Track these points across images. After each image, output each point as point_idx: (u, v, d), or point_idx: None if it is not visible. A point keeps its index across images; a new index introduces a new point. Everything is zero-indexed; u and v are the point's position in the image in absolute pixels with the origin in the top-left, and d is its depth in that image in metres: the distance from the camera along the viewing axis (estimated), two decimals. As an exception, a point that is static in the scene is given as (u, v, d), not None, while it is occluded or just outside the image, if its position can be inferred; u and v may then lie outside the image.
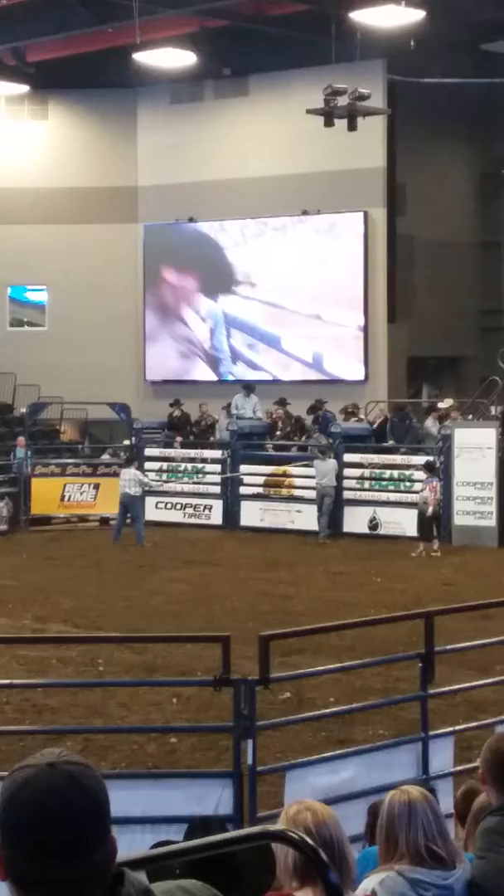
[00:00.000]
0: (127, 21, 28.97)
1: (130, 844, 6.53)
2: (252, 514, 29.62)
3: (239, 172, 35.62)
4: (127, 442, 32.76)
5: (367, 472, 28.76)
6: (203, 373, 36.87)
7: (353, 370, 34.74)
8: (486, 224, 37.36)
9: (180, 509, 30.59)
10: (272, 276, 35.90)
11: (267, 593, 21.00)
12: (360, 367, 34.73)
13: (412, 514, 26.57)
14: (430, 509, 26.01)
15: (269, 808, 8.37)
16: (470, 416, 29.82)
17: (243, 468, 30.05)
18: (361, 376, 34.63)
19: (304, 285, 35.39)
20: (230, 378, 35.65)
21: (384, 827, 4.81)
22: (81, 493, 31.09)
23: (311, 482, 28.36)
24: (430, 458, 27.44)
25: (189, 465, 31.16)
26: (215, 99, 36.57)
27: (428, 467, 26.88)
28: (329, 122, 29.95)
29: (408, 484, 27.57)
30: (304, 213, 35.02)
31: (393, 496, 28.06)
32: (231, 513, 29.89)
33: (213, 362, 36.79)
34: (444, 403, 30.61)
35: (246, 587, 21.64)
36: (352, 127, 29.92)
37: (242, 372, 35.78)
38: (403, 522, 27.09)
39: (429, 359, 37.03)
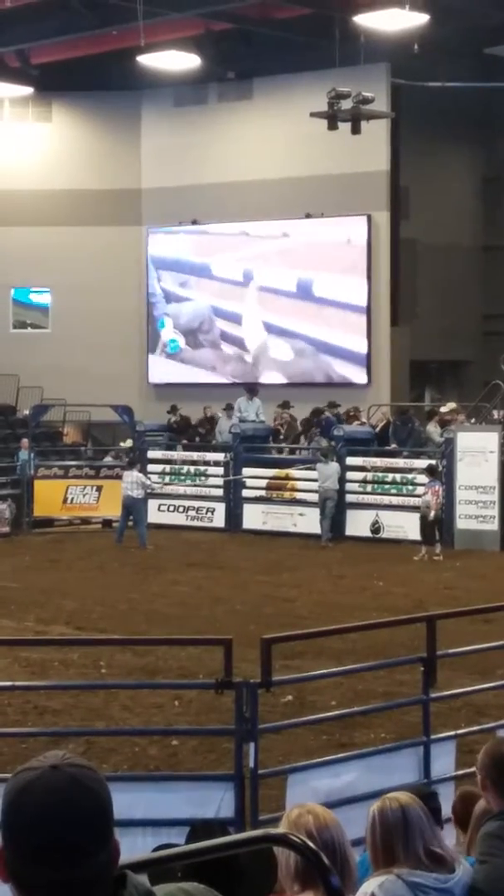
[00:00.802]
0: (131, 24, 28.98)
1: (132, 847, 6.52)
2: (254, 517, 29.62)
3: (242, 175, 35.64)
4: (124, 444, 32.77)
5: (369, 476, 28.76)
6: (205, 375, 36.87)
7: (355, 373, 34.76)
8: (489, 228, 37.38)
9: (183, 512, 30.60)
10: (275, 278, 35.89)
11: (269, 596, 21.00)
12: (363, 370, 34.74)
13: (414, 518, 26.56)
14: (433, 513, 26.00)
15: (270, 811, 8.37)
16: (472, 420, 29.82)
17: (246, 471, 30.05)
18: (364, 380, 34.65)
19: (307, 288, 35.40)
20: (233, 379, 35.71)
21: (379, 836, 4.80)
22: (84, 496, 31.10)
23: (314, 485, 28.36)
24: (432, 462, 27.43)
25: (191, 468, 31.17)
26: (219, 102, 36.60)
27: (430, 471, 26.87)
28: (333, 126, 29.96)
29: (410, 487, 27.57)
30: (308, 216, 35.03)
31: (395, 500, 28.06)
32: (233, 515, 29.90)
33: (217, 362, 36.82)
34: (447, 408, 30.60)
35: (248, 590, 21.64)
36: (355, 130, 29.93)
37: (242, 371, 35.79)
38: (406, 526, 27.08)
39: (431, 362, 37.04)
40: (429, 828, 4.79)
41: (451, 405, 30.65)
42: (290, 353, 35.71)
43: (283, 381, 35.23)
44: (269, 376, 35.50)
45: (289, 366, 35.72)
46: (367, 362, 34.70)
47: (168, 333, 37.58)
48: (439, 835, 4.91)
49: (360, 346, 34.77)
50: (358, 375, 34.71)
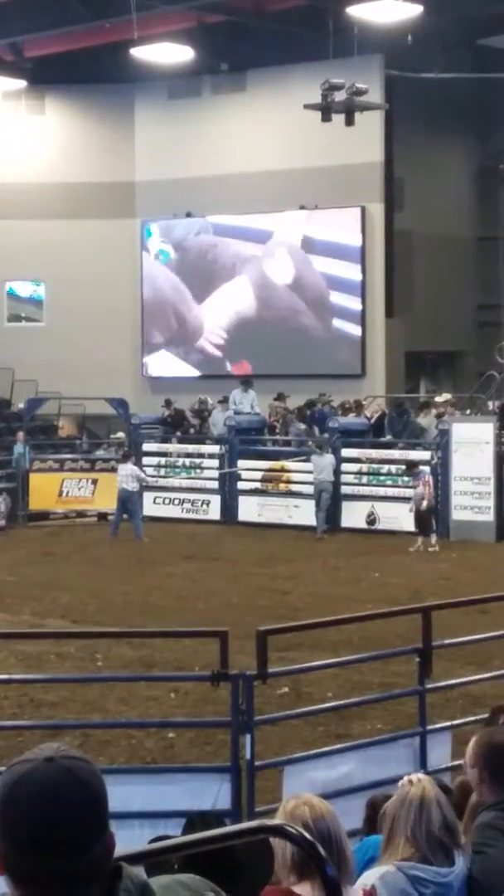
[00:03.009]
0: (124, 16, 28.97)
1: (128, 839, 6.52)
2: (250, 510, 29.62)
3: (236, 168, 35.61)
4: (115, 436, 32.76)
5: (364, 468, 28.76)
6: (200, 367, 36.88)
7: (350, 365, 34.76)
8: (483, 219, 37.39)
9: (178, 504, 30.60)
10: (268, 269, 35.91)
11: (265, 588, 21.02)
12: (358, 361, 34.75)
13: (408, 510, 26.52)
14: (425, 503, 25.99)
15: (267, 802, 8.38)
16: (467, 411, 29.84)
17: (241, 463, 30.05)
18: (359, 371, 34.65)
19: (302, 280, 35.42)
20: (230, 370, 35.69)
21: (399, 817, 4.78)
22: (79, 489, 31.09)
23: (309, 477, 28.36)
24: (412, 459, 27.37)
25: (187, 461, 31.16)
26: (213, 94, 36.56)
27: (411, 466, 26.85)
28: (326, 118, 29.96)
29: (405, 479, 27.55)
30: (302, 207, 35.02)
31: (391, 491, 28.06)
32: (229, 508, 29.90)
33: (210, 356, 36.82)
34: (440, 398, 30.63)
35: (244, 582, 21.65)
36: (349, 122, 29.93)
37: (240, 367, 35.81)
38: (401, 517, 27.08)
39: (426, 353, 37.06)
40: (449, 816, 4.80)
41: (446, 396, 30.67)
42: (285, 343, 35.70)
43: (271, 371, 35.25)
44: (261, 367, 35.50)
45: (283, 358, 35.69)
46: (362, 353, 34.71)
47: (156, 243, 37.51)
48: (452, 824, 4.90)
49: (355, 338, 34.77)
50: (353, 367, 34.70)
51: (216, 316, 36.88)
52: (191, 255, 37.23)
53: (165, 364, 37.50)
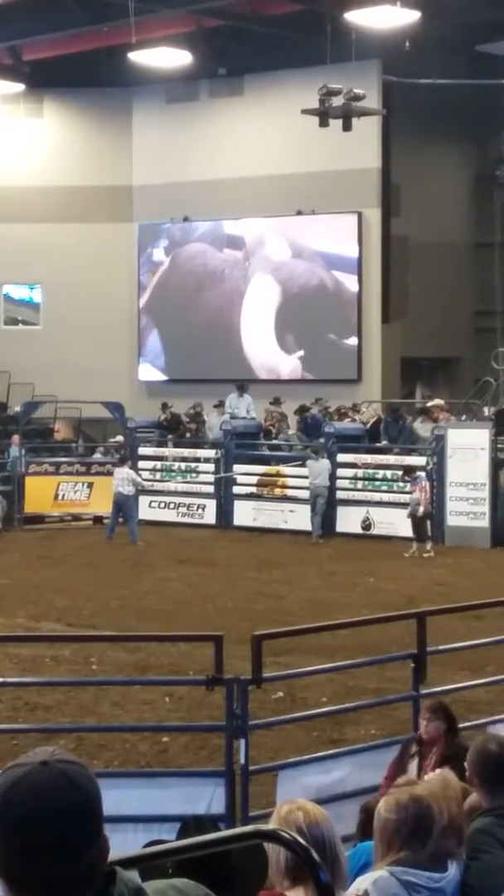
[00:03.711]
0: (122, 20, 28.99)
1: (123, 843, 6.54)
2: (245, 514, 29.62)
3: (234, 172, 35.64)
4: (114, 440, 32.75)
5: (360, 473, 28.76)
6: (196, 371, 36.87)
7: (346, 370, 34.77)
8: (480, 225, 37.42)
9: (174, 508, 30.59)
10: (266, 274, 35.93)
11: (260, 593, 21.01)
12: (354, 367, 34.77)
13: (405, 515, 26.54)
14: (422, 509, 25.99)
15: (261, 807, 8.39)
16: (463, 417, 29.85)
17: (236, 468, 30.05)
18: (355, 376, 34.68)
19: (298, 285, 35.44)
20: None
21: (391, 825, 4.76)
22: (75, 492, 31.09)
23: (305, 482, 28.36)
24: (409, 464, 27.41)
25: (182, 465, 31.16)
26: (210, 98, 36.59)
27: (408, 471, 26.87)
28: (324, 123, 29.97)
29: (401, 484, 27.56)
30: (299, 213, 35.05)
31: (386, 496, 28.06)
32: (224, 512, 29.89)
33: (206, 359, 36.83)
34: (432, 402, 30.67)
35: (239, 587, 21.64)
36: (347, 127, 29.93)
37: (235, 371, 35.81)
38: (396, 522, 27.08)
39: (422, 359, 37.09)
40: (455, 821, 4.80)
41: (437, 401, 30.68)
42: (281, 349, 35.74)
43: (273, 377, 35.24)
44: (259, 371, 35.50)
45: (280, 361, 35.74)
46: (358, 359, 34.73)
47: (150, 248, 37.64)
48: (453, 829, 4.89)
49: (351, 343, 34.79)
50: (349, 372, 34.72)
51: (216, 318, 36.85)
52: (186, 260, 37.21)
53: (159, 368, 37.51)
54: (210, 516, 30.11)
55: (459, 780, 5.10)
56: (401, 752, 8.35)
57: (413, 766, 8.13)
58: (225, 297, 36.56)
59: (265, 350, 35.92)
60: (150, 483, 29.88)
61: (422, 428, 28.91)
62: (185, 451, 31.72)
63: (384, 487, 28.28)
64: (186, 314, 36.89)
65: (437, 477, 27.26)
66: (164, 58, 32.89)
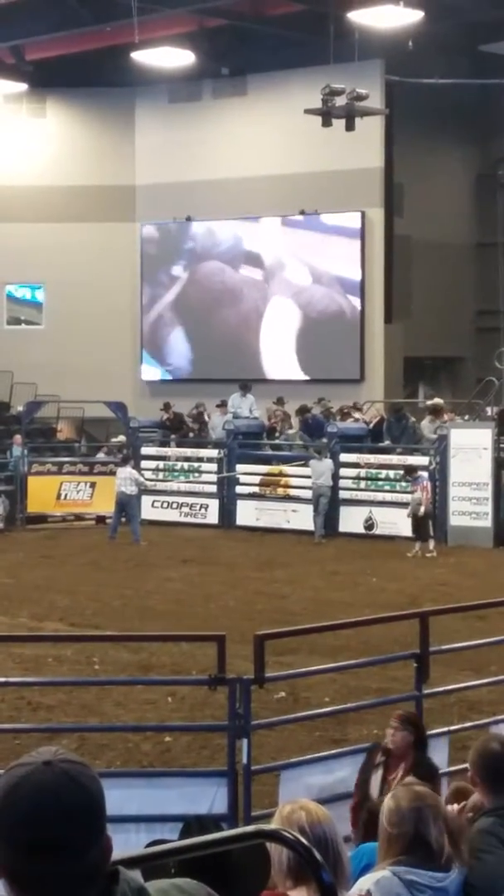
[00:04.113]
0: (125, 20, 28.98)
1: (125, 843, 6.54)
2: (248, 514, 29.62)
3: (237, 172, 35.63)
4: (116, 439, 32.74)
5: (362, 473, 28.76)
6: (199, 371, 36.89)
7: (349, 370, 34.77)
8: (482, 225, 37.42)
9: (176, 508, 30.59)
10: (269, 274, 35.94)
11: (262, 593, 21.01)
12: (357, 366, 34.76)
13: (406, 514, 26.52)
14: (423, 508, 25.98)
15: (263, 807, 8.39)
16: (466, 417, 29.84)
17: (239, 467, 30.05)
18: (358, 376, 34.67)
19: (301, 284, 35.45)
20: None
21: (396, 824, 4.76)
22: (78, 492, 31.10)
23: (307, 482, 28.36)
24: (412, 463, 27.41)
25: (185, 464, 31.17)
26: (213, 98, 36.58)
27: (409, 471, 26.86)
28: (327, 123, 29.97)
29: (404, 484, 27.55)
30: (302, 212, 35.05)
31: (389, 496, 28.05)
32: (227, 512, 29.89)
33: (207, 359, 36.85)
34: (430, 401, 30.68)
35: (241, 586, 21.64)
36: (349, 127, 29.93)
37: (236, 371, 35.80)
38: (399, 522, 27.08)
39: (425, 359, 37.08)
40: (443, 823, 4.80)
41: (437, 400, 30.68)
42: (285, 348, 35.75)
43: (277, 376, 35.24)
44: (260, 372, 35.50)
45: (283, 361, 35.74)
46: (361, 359, 34.72)
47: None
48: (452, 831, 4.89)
49: (354, 343, 34.78)
50: (352, 371, 34.72)
51: (216, 321, 36.87)
52: (204, 276, 37.22)
53: (162, 368, 37.54)
54: (213, 516, 30.12)
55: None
56: (365, 760, 8.15)
57: (377, 776, 7.93)
58: (242, 316, 36.27)
59: (282, 366, 35.89)
60: (152, 483, 29.87)
61: (428, 428, 28.90)
62: (188, 451, 31.72)
63: (387, 487, 28.27)
64: (205, 328, 36.63)
65: (440, 477, 27.25)
66: (166, 58, 32.88)
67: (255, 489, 29.86)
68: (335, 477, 28.22)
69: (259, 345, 36.04)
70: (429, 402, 30.69)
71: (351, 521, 28.30)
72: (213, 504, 30.21)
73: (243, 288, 36.16)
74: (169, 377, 37.24)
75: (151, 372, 37.74)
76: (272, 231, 35.52)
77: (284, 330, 35.66)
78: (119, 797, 7.65)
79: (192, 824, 6.22)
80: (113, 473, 28.84)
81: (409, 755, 7.90)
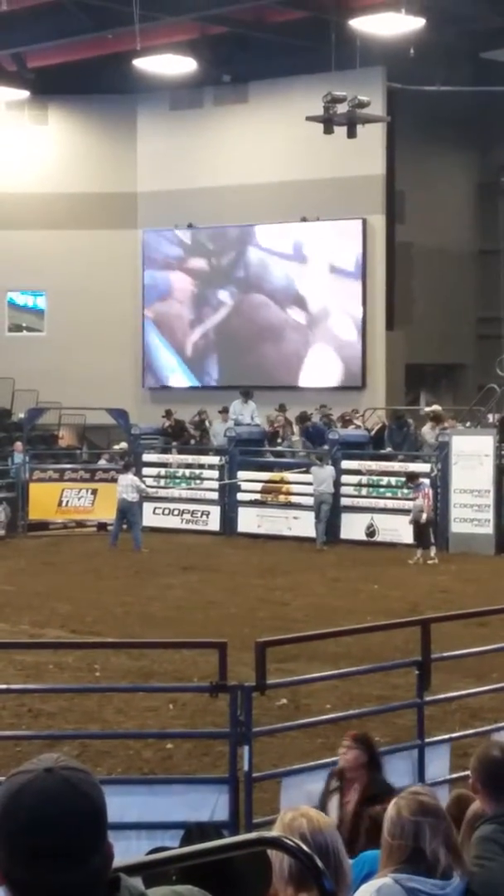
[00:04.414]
0: (127, 27, 28.99)
1: (126, 850, 6.53)
2: (249, 521, 29.62)
3: (238, 179, 35.66)
4: (118, 447, 32.75)
5: (364, 479, 28.77)
6: (200, 378, 36.92)
7: (350, 377, 34.78)
8: (484, 232, 37.43)
9: (178, 515, 30.59)
10: (271, 281, 35.96)
11: (264, 600, 21.01)
12: (358, 373, 34.77)
13: (407, 521, 26.52)
14: (424, 516, 25.99)
15: (265, 814, 8.37)
16: (467, 424, 29.85)
17: (241, 474, 30.05)
18: (359, 383, 34.68)
19: (303, 291, 35.47)
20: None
21: (396, 836, 4.74)
22: (79, 499, 31.09)
23: (309, 489, 28.36)
24: (413, 470, 27.42)
25: (187, 471, 31.17)
26: (215, 105, 36.62)
27: (411, 478, 26.88)
28: (328, 130, 30.01)
29: (405, 491, 27.56)
30: (304, 219, 35.07)
31: (390, 503, 28.06)
32: (228, 519, 29.89)
33: (207, 366, 36.85)
34: (428, 408, 30.71)
35: (243, 593, 21.64)
36: (351, 134, 29.97)
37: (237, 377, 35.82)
38: (400, 529, 27.09)
39: (427, 366, 37.07)
40: (450, 831, 4.78)
41: (435, 407, 30.71)
42: (285, 354, 35.76)
43: (280, 382, 35.25)
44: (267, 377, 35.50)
45: (286, 369, 35.74)
46: (363, 365, 34.72)
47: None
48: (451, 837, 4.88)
49: (356, 350, 34.80)
50: (353, 379, 34.73)
51: (216, 325, 36.89)
52: (250, 308, 37.18)
53: (165, 374, 37.56)
54: (214, 523, 30.12)
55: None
56: (324, 788, 8.02)
57: (334, 801, 7.82)
58: (282, 356, 36.13)
59: (267, 356, 35.90)
60: (154, 490, 29.85)
61: (430, 434, 28.91)
62: (189, 458, 31.72)
63: (388, 494, 28.28)
64: (245, 358, 36.45)
65: (442, 484, 27.26)
66: (168, 65, 32.92)
67: (257, 496, 29.86)
68: (337, 484, 28.23)
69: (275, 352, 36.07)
70: (427, 410, 30.72)
71: (352, 528, 28.29)
72: (215, 511, 30.22)
73: (286, 329, 35.93)
74: (198, 384, 36.95)
75: (179, 378, 37.39)
76: (322, 277, 35.26)
77: (289, 335, 35.67)
78: (120, 804, 7.65)
79: (194, 831, 6.21)
80: (114, 480, 28.85)
81: (362, 775, 7.77)
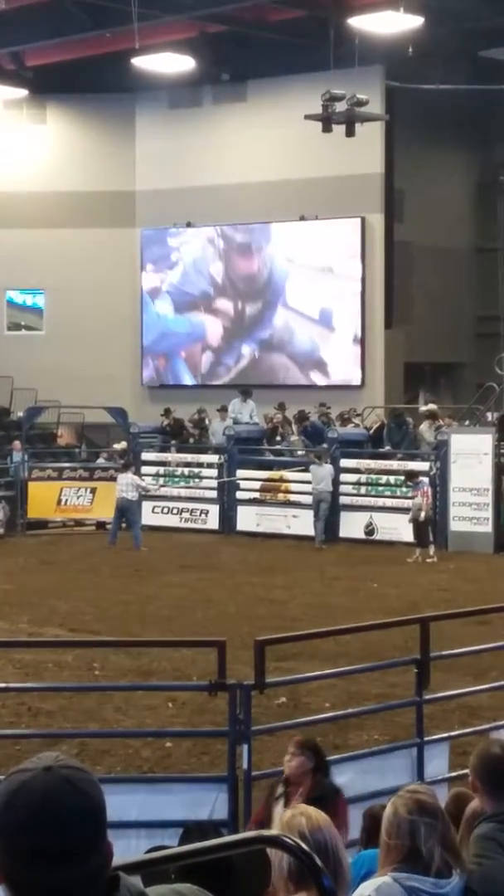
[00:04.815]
0: (126, 26, 28.99)
1: (126, 849, 6.54)
2: (248, 519, 29.61)
3: (237, 178, 35.65)
4: (117, 446, 32.76)
5: (363, 478, 28.77)
6: (199, 377, 36.92)
7: (350, 375, 34.78)
8: (482, 230, 37.44)
9: (177, 514, 30.59)
10: (270, 281, 35.96)
11: (263, 598, 21.01)
12: (357, 372, 34.77)
13: (407, 520, 26.52)
14: (423, 514, 25.99)
15: (264, 813, 8.36)
16: (466, 423, 29.85)
17: (240, 473, 30.05)
18: (358, 381, 34.68)
19: (302, 290, 35.46)
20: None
21: (392, 835, 4.74)
22: (78, 498, 31.08)
23: (308, 487, 28.36)
24: (412, 469, 27.43)
25: (185, 470, 31.17)
26: (214, 104, 36.61)
27: (410, 476, 26.88)
28: (327, 128, 29.99)
29: (404, 489, 27.56)
30: (302, 218, 35.06)
31: (389, 502, 28.05)
32: (227, 517, 29.88)
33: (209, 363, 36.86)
34: (425, 407, 30.72)
35: (242, 592, 21.64)
36: (350, 133, 29.95)
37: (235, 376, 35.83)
38: (399, 528, 27.09)
39: (425, 364, 37.07)
40: (449, 830, 4.78)
41: (431, 406, 30.72)
42: (284, 355, 35.77)
43: (277, 381, 35.27)
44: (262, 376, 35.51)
45: (282, 368, 35.75)
46: (362, 364, 34.73)
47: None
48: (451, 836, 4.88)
49: (355, 348, 34.80)
50: (352, 377, 34.73)
51: (216, 325, 36.90)
52: (190, 265, 37.27)
53: (164, 373, 37.56)
54: (213, 521, 30.12)
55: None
56: (267, 793, 7.87)
57: (279, 808, 7.51)
58: (225, 301, 36.40)
59: (267, 355, 35.91)
60: (155, 487, 29.81)
61: (429, 432, 28.91)
62: (189, 457, 31.72)
63: (387, 493, 28.28)
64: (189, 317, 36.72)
65: (441, 482, 27.26)
66: (167, 63, 32.92)
67: (256, 495, 29.86)
68: (336, 482, 28.23)
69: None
70: (423, 408, 30.74)
71: (351, 526, 28.29)
72: (214, 509, 30.21)
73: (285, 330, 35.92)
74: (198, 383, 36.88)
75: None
76: (321, 276, 35.19)
77: (288, 334, 35.67)
78: (119, 803, 7.65)
79: (193, 830, 6.21)
80: (113, 479, 28.84)
81: (307, 781, 7.55)
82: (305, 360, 35.33)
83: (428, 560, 25.50)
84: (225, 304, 36.77)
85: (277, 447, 31.31)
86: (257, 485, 29.97)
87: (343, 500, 28.42)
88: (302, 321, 35.38)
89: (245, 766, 8.39)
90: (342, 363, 34.93)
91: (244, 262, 36.45)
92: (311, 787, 7.46)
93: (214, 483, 30.38)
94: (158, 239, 37.59)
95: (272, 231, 35.90)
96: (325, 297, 35.14)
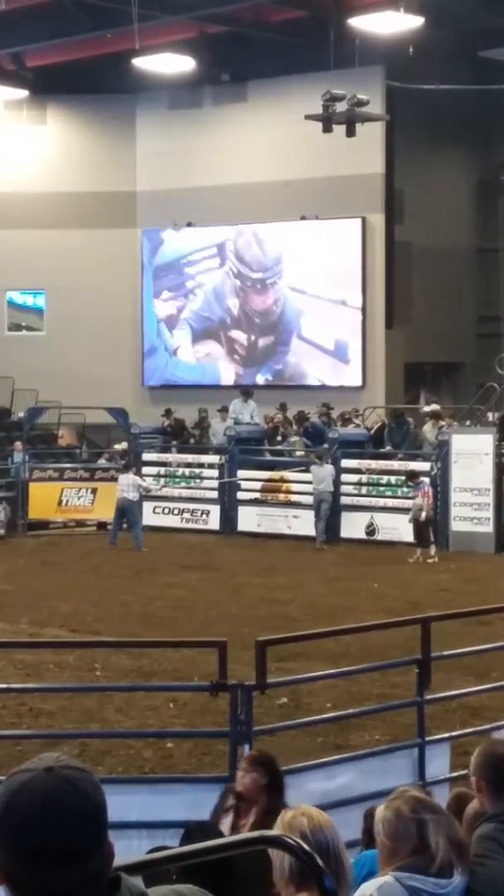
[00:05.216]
0: (126, 27, 28.99)
1: (127, 849, 6.53)
2: (249, 520, 29.61)
3: (237, 178, 35.66)
4: (117, 446, 32.75)
5: (364, 478, 28.77)
6: (200, 377, 36.91)
7: (350, 376, 34.78)
8: (483, 231, 37.42)
9: (178, 514, 30.59)
10: (270, 280, 35.96)
11: (264, 598, 21.00)
12: (358, 372, 34.77)
13: (407, 520, 26.51)
14: (424, 514, 25.98)
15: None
16: (467, 423, 29.85)
17: (240, 473, 30.05)
18: (359, 382, 34.68)
19: (302, 290, 35.46)
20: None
21: (393, 836, 4.72)
22: (79, 498, 31.08)
23: (309, 487, 28.36)
24: (413, 469, 27.43)
25: (186, 470, 31.17)
26: (214, 104, 36.61)
27: (411, 476, 26.88)
28: (327, 128, 29.97)
29: (405, 490, 27.56)
30: (303, 218, 35.05)
31: (390, 502, 28.05)
32: (228, 518, 29.88)
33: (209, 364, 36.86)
34: (427, 408, 30.72)
35: (243, 592, 21.64)
36: (350, 133, 29.94)
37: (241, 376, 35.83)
38: (401, 528, 27.08)
39: (426, 365, 37.06)
40: (454, 828, 4.78)
41: (433, 406, 30.72)
42: (286, 354, 35.77)
43: (278, 382, 35.26)
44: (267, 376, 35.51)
45: (284, 368, 35.76)
46: (362, 364, 34.73)
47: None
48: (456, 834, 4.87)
49: (356, 349, 34.79)
50: (353, 377, 34.72)
51: (229, 371, 36.80)
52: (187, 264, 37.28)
53: (164, 373, 37.56)
54: (214, 522, 30.12)
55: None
56: (217, 804, 7.55)
57: (227, 821, 7.21)
58: (225, 301, 36.43)
59: (268, 355, 35.92)
60: (157, 487, 29.80)
61: (431, 432, 28.91)
62: (189, 457, 31.72)
63: (388, 493, 28.28)
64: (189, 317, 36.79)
65: (442, 482, 27.25)
66: (167, 64, 32.92)
67: (257, 495, 29.86)
68: (336, 483, 28.22)
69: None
70: (426, 409, 30.73)
71: (352, 526, 28.29)
72: (215, 510, 30.21)
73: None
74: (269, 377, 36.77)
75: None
76: (321, 276, 35.15)
77: (289, 335, 35.65)
78: (121, 803, 7.64)
79: (194, 830, 6.22)
80: (114, 480, 28.84)
81: (261, 798, 7.11)
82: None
83: (429, 560, 25.49)
84: (239, 335, 36.69)
85: (278, 447, 31.31)
86: (258, 485, 29.96)
87: (344, 500, 28.42)
88: (316, 353, 35.33)
89: (246, 766, 8.38)
90: (342, 363, 34.91)
91: (259, 297, 36.35)
92: (266, 807, 6.98)
93: (215, 483, 30.38)
94: (158, 239, 37.59)
95: (276, 236, 35.88)
96: (341, 329, 34.96)
